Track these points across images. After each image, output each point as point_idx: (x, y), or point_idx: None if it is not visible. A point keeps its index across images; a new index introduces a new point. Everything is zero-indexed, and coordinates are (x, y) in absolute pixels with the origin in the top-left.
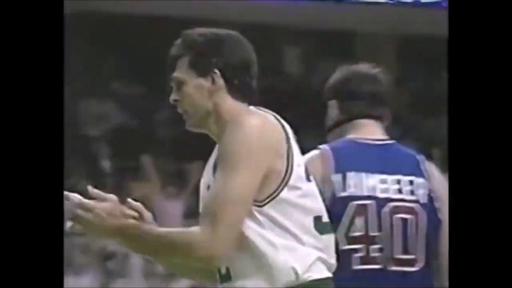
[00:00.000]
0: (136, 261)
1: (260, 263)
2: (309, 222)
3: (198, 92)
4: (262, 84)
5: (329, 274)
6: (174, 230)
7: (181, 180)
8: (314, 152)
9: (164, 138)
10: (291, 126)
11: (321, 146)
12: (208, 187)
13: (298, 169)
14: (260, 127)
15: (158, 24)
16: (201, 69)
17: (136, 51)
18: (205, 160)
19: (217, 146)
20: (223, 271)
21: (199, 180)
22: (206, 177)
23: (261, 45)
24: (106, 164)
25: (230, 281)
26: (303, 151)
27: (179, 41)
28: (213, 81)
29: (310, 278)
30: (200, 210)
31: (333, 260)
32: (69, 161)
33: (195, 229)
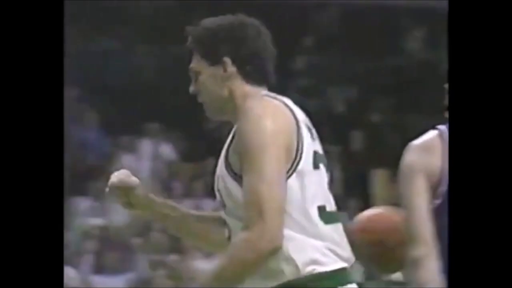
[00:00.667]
0: None
1: None
2: (314, 211)
3: (212, 80)
4: (386, 65)
5: (339, 266)
6: (227, 253)
7: None
8: (433, 132)
9: None
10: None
11: (439, 127)
12: (219, 179)
13: (308, 156)
14: (270, 114)
15: (273, 10)
16: (212, 58)
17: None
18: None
19: (229, 138)
20: None
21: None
22: (219, 169)
23: (385, 25)
24: None
25: None
26: (424, 130)
27: (191, 33)
28: (225, 69)
29: (315, 271)
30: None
31: (342, 251)
32: (198, 144)
33: (245, 235)
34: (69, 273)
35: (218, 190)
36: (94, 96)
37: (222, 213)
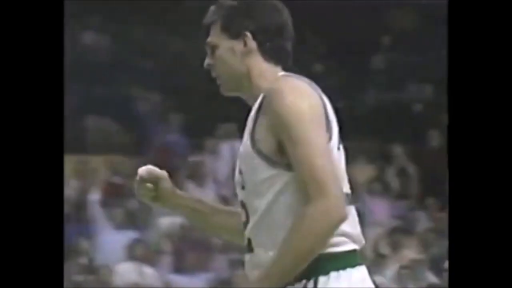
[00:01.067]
0: None
1: (276, 234)
2: None
3: (231, 54)
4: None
5: (350, 247)
6: (293, 233)
7: (383, 161)
8: None
9: (367, 120)
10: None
11: None
12: (243, 159)
13: (335, 136)
14: (302, 93)
15: (351, 11)
16: (232, 32)
17: (333, 35)
18: (411, 144)
19: (251, 116)
20: (245, 242)
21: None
22: (243, 149)
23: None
24: None
25: (252, 253)
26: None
27: (212, 8)
28: (245, 43)
29: (326, 252)
30: (236, 178)
31: (354, 232)
32: None
33: (311, 210)
34: (148, 272)
35: (240, 171)
36: (174, 98)
37: (240, 195)
